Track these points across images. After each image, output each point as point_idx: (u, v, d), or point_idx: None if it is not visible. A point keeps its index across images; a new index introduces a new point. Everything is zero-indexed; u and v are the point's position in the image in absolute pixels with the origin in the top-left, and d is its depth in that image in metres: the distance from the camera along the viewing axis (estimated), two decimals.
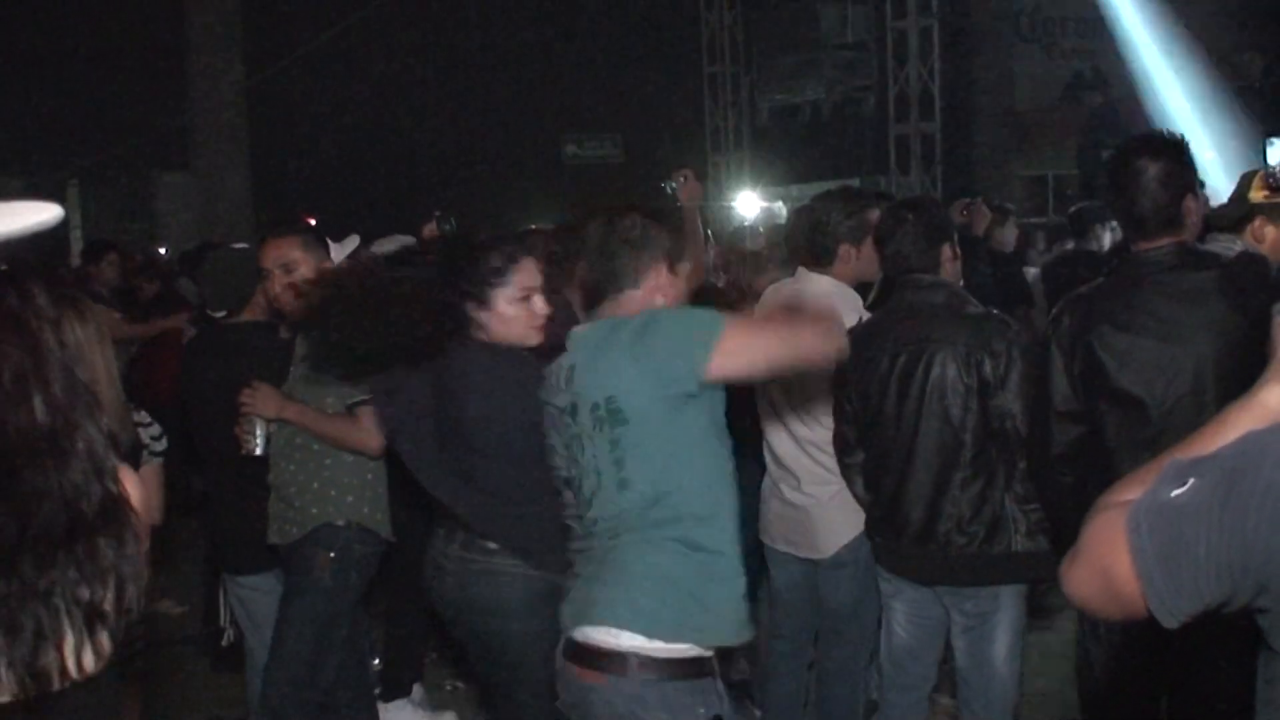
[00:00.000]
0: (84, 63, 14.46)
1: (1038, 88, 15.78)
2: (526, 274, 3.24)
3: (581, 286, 2.84)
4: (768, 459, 4.11)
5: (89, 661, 1.53)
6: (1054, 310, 3.38)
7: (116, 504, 1.58)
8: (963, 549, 3.45)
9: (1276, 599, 1.38)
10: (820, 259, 3.99)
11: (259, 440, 3.82)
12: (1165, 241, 3.13)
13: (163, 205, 14.79)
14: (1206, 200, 4.07)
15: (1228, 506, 1.36)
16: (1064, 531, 3.10)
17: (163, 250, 12.90)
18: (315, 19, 14.94)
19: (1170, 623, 1.41)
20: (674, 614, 2.57)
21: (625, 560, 2.62)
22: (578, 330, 2.82)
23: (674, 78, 16.46)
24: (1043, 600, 4.13)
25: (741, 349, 2.59)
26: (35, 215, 1.42)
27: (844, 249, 3.95)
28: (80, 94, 14.61)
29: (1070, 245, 8.24)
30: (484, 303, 3.16)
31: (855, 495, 3.74)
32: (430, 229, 4.92)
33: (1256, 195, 3.84)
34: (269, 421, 3.81)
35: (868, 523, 3.73)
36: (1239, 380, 1.61)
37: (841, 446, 3.75)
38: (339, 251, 4.44)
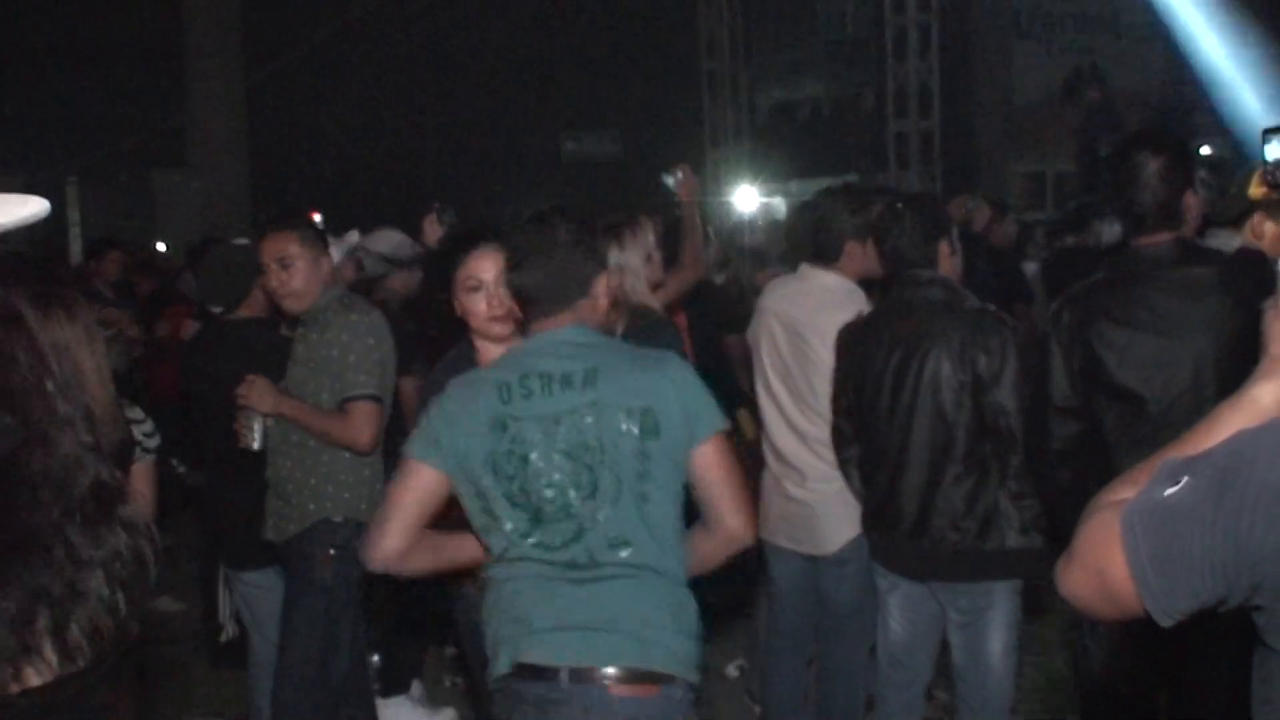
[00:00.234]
0: (83, 60, 14.45)
1: (1037, 84, 15.76)
2: (475, 263, 3.23)
3: (524, 293, 2.67)
4: (768, 455, 4.11)
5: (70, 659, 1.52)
6: (1053, 306, 3.38)
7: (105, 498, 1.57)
8: (956, 545, 3.45)
9: (1271, 597, 1.38)
10: (825, 256, 3.99)
11: (257, 435, 3.83)
12: (1165, 237, 3.14)
13: (161, 202, 14.80)
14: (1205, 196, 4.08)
15: (1221, 505, 1.36)
16: (1062, 528, 3.11)
17: (162, 247, 12.91)
18: (314, 16, 14.93)
19: (1166, 622, 1.41)
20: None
21: (641, 581, 2.56)
22: (568, 335, 2.64)
23: (672, 74, 16.44)
24: (1039, 596, 4.13)
25: (726, 454, 2.63)
26: (18, 210, 1.40)
27: (850, 246, 3.95)
28: (79, 92, 14.61)
29: (1069, 241, 8.24)
30: (453, 294, 3.19)
31: (853, 490, 3.75)
32: (430, 221, 4.92)
33: (1255, 191, 3.84)
34: (266, 417, 3.81)
35: (863, 518, 3.73)
36: (1238, 376, 1.61)
37: (838, 441, 3.76)
38: (338, 248, 4.45)
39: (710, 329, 5.26)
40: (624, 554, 2.53)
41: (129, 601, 1.59)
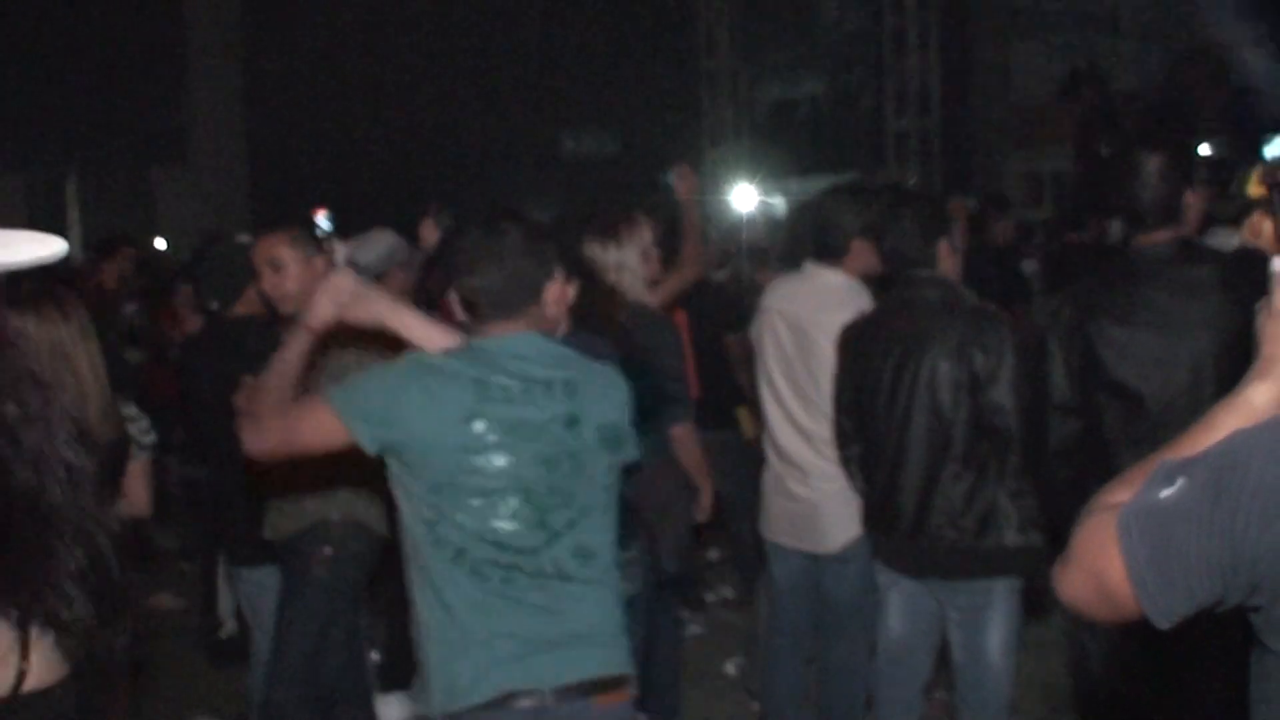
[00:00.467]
0: (83, 58, 14.44)
1: (1036, 82, 15.75)
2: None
3: (475, 297, 2.64)
4: (770, 454, 4.11)
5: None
6: (1053, 304, 3.38)
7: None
8: (954, 543, 3.46)
9: (1268, 596, 1.39)
10: (830, 254, 3.98)
11: None
12: (1165, 235, 3.14)
13: (161, 200, 14.80)
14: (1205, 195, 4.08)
15: (1218, 506, 1.36)
16: (1060, 526, 3.11)
17: (161, 245, 12.90)
18: (313, 14, 14.93)
19: (1163, 624, 1.41)
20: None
21: (607, 590, 2.61)
22: (535, 342, 2.63)
23: (671, 72, 16.44)
24: (1038, 596, 4.13)
25: None
26: (36, 250, 1.41)
27: (856, 244, 3.94)
28: (79, 89, 14.59)
29: (1068, 239, 8.25)
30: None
31: (854, 488, 3.75)
32: (428, 224, 4.93)
33: (1254, 190, 3.85)
34: None
35: (863, 515, 3.74)
36: (1236, 375, 1.61)
37: (840, 439, 3.76)
38: (343, 250, 4.44)
39: (709, 327, 5.27)
40: (590, 564, 2.55)
41: (109, 605, 1.58)
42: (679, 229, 4.63)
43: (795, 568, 4.08)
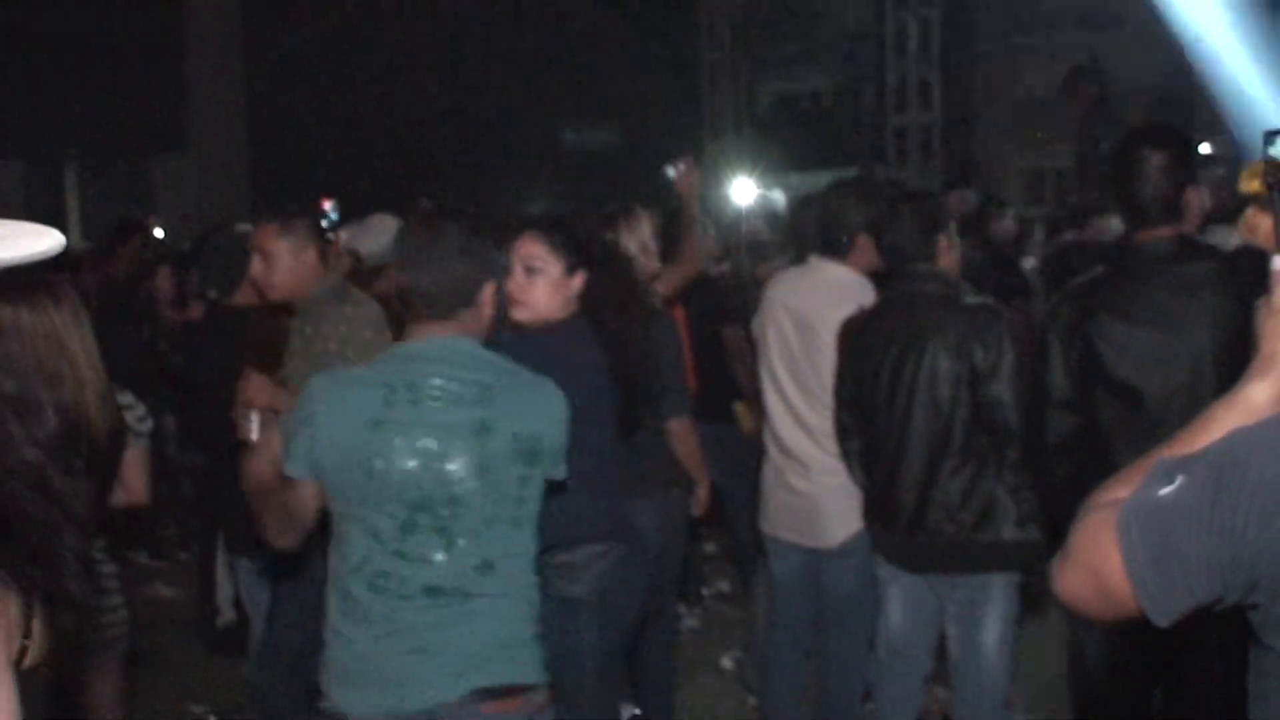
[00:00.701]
0: (82, 46, 14.41)
1: (1038, 79, 15.74)
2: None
3: (409, 294, 2.60)
4: (770, 447, 4.10)
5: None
6: (1054, 300, 3.38)
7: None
8: (952, 537, 3.46)
9: (1267, 594, 1.38)
10: (836, 248, 3.97)
11: (255, 426, 3.83)
12: (1166, 232, 3.13)
13: (161, 189, 14.78)
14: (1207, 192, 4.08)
15: (1217, 504, 1.36)
16: (1059, 521, 3.11)
17: (160, 233, 12.87)
18: (314, 3, 14.90)
19: (1162, 622, 1.41)
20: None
21: (510, 602, 2.56)
22: (458, 345, 2.58)
23: (673, 65, 16.43)
24: (1036, 591, 4.14)
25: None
26: (34, 243, 1.40)
27: (862, 239, 3.94)
28: (79, 77, 14.56)
29: (1069, 236, 8.24)
30: None
31: (855, 482, 3.76)
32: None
33: (1248, 186, 3.85)
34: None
35: (863, 510, 3.74)
36: (1235, 372, 1.61)
37: (840, 434, 3.76)
38: (349, 235, 4.43)
39: (708, 322, 5.26)
40: (490, 577, 2.50)
41: (96, 585, 1.59)
42: (678, 222, 4.62)
43: (794, 563, 4.08)
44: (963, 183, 10.63)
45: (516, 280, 3.24)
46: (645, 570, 3.47)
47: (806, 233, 4.28)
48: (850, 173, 10.20)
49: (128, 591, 3.68)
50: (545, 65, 16.59)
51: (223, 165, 12.82)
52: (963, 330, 3.43)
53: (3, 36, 13.27)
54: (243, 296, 4.22)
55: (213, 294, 4.38)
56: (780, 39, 16.44)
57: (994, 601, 3.53)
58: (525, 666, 2.55)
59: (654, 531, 3.91)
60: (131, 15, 13.90)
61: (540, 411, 2.56)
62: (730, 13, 16.20)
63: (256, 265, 3.82)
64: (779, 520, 4.06)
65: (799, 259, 4.26)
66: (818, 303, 3.92)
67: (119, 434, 3.48)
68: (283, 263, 3.78)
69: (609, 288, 3.42)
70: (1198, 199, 3.22)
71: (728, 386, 5.45)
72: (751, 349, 4.63)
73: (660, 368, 3.87)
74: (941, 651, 3.77)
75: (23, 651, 1.44)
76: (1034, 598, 4.11)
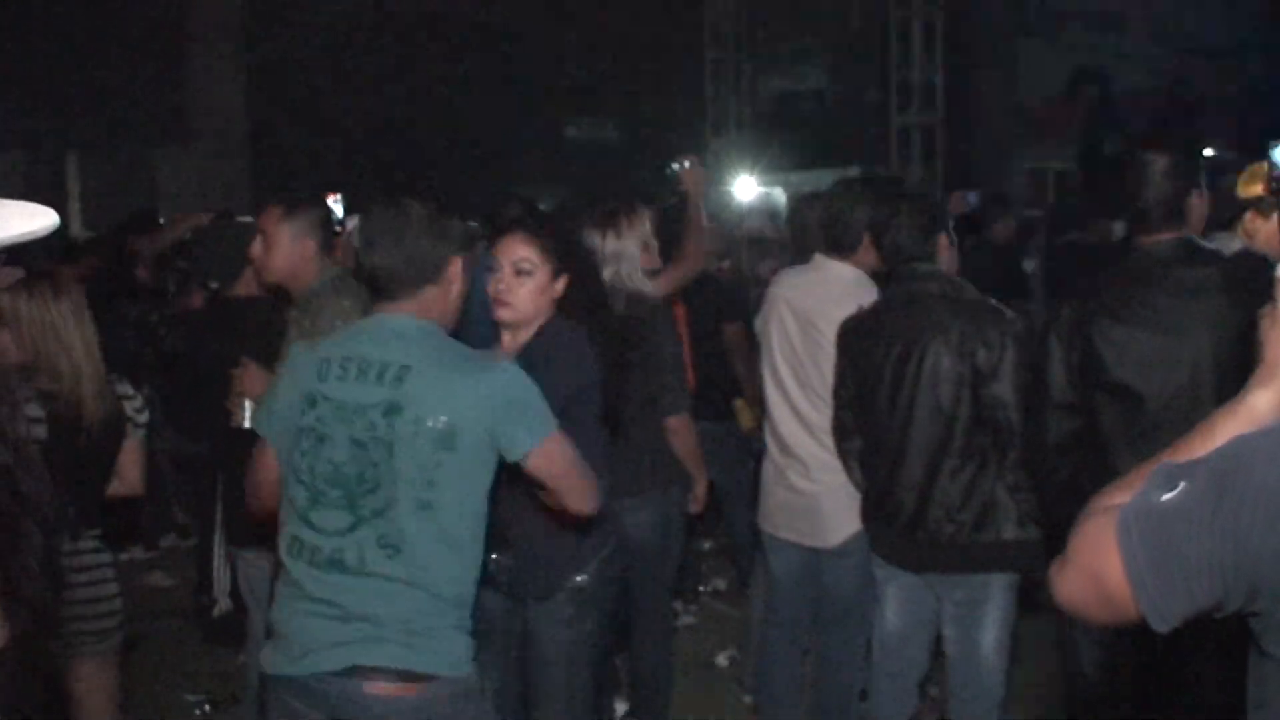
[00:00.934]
0: (84, 35, 14.40)
1: (1041, 80, 15.75)
2: (502, 248, 3.32)
3: (373, 275, 2.62)
4: (771, 446, 4.09)
5: None
6: (1056, 303, 3.38)
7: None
8: (952, 537, 3.46)
9: (1268, 601, 1.38)
10: (841, 247, 3.97)
11: (248, 414, 3.83)
12: (1168, 236, 3.13)
13: (162, 179, 14.76)
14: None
15: (1219, 510, 1.36)
16: (1058, 523, 3.11)
17: (160, 223, 12.85)
18: None
19: (1162, 627, 1.41)
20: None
21: (417, 590, 2.53)
22: (398, 325, 2.60)
23: (676, 63, 16.42)
24: (1034, 592, 4.14)
25: (557, 457, 2.62)
26: (25, 223, 1.39)
27: (868, 237, 3.94)
28: (80, 67, 14.54)
29: (1070, 238, 8.25)
30: None
31: (854, 481, 3.75)
32: None
33: (1245, 190, 3.85)
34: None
35: (862, 509, 3.74)
36: (1236, 376, 1.61)
37: (840, 433, 3.76)
38: (350, 224, 4.43)
39: (708, 319, 5.26)
40: (392, 560, 2.49)
41: (57, 580, 1.57)
42: (681, 218, 4.61)
43: (793, 561, 4.07)
44: (964, 183, 10.61)
45: (505, 280, 3.22)
46: (626, 565, 3.48)
47: (807, 231, 4.28)
48: (852, 172, 10.19)
49: (123, 581, 3.68)
50: (549, 60, 16.58)
51: (224, 157, 12.81)
52: (965, 329, 3.43)
53: (4, 27, 13.25)
54: (243, 287, 4.22)
55: (214, 285, 4.38)
56: (783, 38, 16.44)
57: (993, 602, 3.53)
58: (425, 655, 2.50)
59: (651, 528, 3.91)
60: (134, 5, 13.88)
61: (464, 398, 2.49)
62: (734, 10, 16.19)
63: (256, 246, 3.84)
64: (778, 519, 4.06)
65: (799, 257, 4.25)
66: (821, 300, 3.91)
67: (117, 425, 3.48)
68: (281, 247, 3.78)
69: (579, 290, 3.40)
70: (1201, 203, 3.21)
71: (727, 384, 5.45)
72: (752, 346, 4.63)
73: (659, 365, 3.86)
74: (936, 650, 3.77)
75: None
76: (1031, 599, 4.10)
